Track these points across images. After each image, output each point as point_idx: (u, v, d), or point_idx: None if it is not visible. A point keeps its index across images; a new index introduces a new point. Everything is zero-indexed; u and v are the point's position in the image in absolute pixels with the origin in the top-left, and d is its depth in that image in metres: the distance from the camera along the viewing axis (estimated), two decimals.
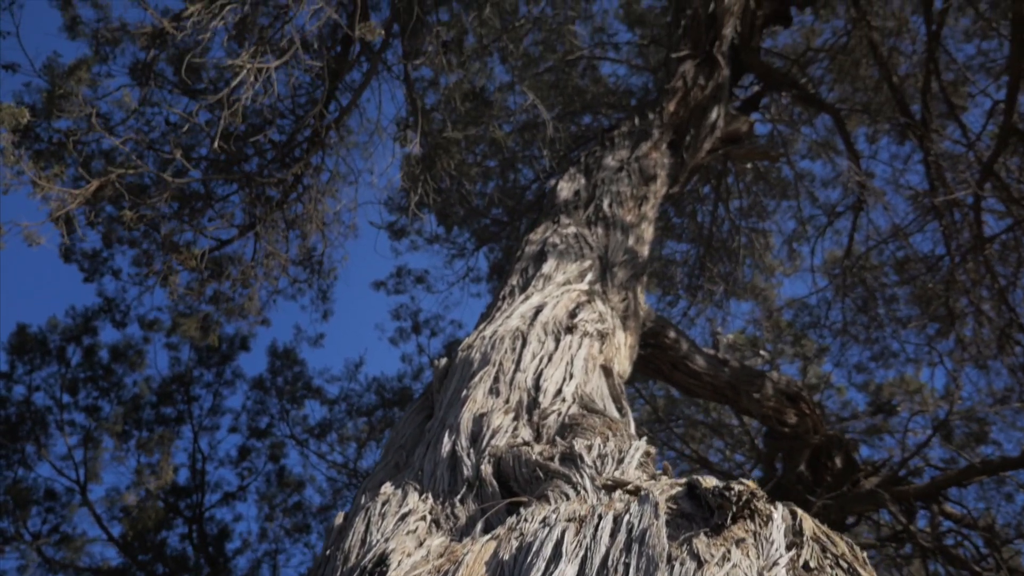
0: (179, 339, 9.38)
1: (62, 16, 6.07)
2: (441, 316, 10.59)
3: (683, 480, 2.01)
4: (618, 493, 2.06)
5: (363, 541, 2.76)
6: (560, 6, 9.29)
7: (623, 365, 4.73)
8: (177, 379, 9.87)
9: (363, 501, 3.17)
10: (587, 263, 5.06)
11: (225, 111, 4.63)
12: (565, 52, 9.36)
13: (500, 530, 1.98)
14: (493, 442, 3.04)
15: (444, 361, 4.24)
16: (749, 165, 9.49)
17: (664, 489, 1.91)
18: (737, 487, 1.58)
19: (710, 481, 1.75)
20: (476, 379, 3.64)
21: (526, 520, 1.98)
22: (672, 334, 6.59)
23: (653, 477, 2.45)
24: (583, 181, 6.19)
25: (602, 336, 4.33)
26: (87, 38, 5.97)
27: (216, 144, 4.75)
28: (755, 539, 1.51)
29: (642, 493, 1.73)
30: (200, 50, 4.78)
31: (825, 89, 9.63)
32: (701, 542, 1.52)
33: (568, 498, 2.23)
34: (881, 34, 8.28)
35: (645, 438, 2.81)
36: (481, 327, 4.39)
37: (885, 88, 8.48)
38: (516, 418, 3.26)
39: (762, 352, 8.46)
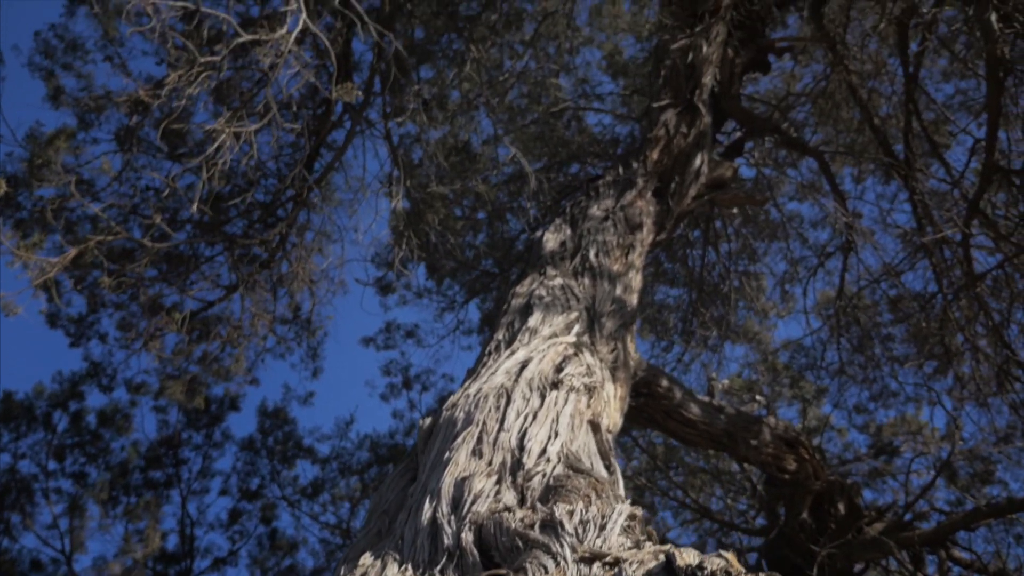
0: (167, 402, 9.25)
1: (45, 87, 6.16)
2: (432, 370, 10.45)
3: (664, 548, 1.92)
4: (596, 566, 1.96)
5: None
6: (543, 60, 9.44)
7: (613, 418, 4.63)
8: (165, 442, 9.71)
9: (343, 573, 3.06)
10: (574, 315, 4.99)
11: (205, 174, 4.64)
12: (550, 104, 9.47)
13: None
14: (475, 508, 2.94)
15: (428, 421, 4.15)
16: (736, 210, 9.52)
17: (643, 561, 1.82)
18: (712, 564, 1.50)
19: (687, 555, 1.66)
20: (459, 440, 3.55)
21: None
22: (665, 383, 6.48)
23: (637, 544, 2.35)
24: (569, 232, 6.17)
25: (589, 390, 4.25)
26: (70, 107, 6.04)
27: (196, 207, 4.76)
28: None
29: (616, 570, 1.64)
30: (181, 116, 4.82)
31: (809, 132, 9.73)
32: None
33: (546, 570, 2.13)
34: (860, 77, 8.39)
35: (630, 500, 2.71)
36: (466, 384, 4.30)
37: (867, 129, 8.56)
38: (499, 481, 3.16)
39: (758, 397, 8.34)
